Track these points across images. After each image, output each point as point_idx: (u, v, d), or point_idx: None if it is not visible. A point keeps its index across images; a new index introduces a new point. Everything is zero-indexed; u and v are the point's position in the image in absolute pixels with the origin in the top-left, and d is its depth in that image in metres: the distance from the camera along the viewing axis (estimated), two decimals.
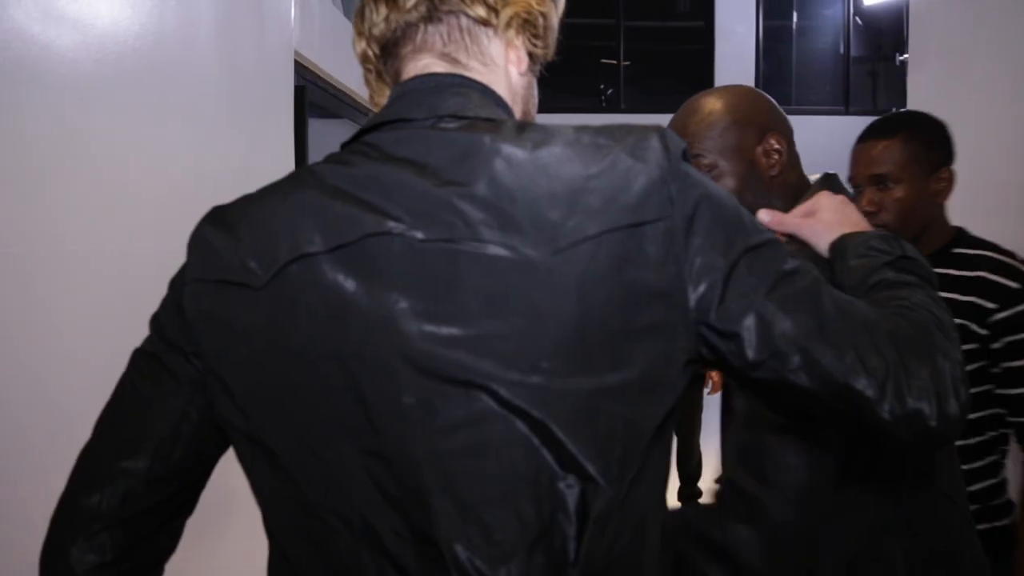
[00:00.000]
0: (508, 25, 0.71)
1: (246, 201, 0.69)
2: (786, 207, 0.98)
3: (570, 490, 0.58)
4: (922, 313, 0.66)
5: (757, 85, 7.78)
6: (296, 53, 2.37)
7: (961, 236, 1.42)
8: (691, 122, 1.05)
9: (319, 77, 2.69)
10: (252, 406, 0.64)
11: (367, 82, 0.77)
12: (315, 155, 2.65)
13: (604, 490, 0.58)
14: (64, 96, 1.29)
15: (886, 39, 7.99)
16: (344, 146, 0.69)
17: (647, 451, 0.61)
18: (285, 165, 2.31)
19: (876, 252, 0.76)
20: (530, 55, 0.75)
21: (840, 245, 0.81)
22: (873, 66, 8.20)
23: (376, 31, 0.71)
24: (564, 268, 0.57)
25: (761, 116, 1.05)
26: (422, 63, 0.71)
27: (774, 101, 1.09)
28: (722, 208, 0.62)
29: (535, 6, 0.73)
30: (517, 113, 0.75)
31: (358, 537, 0.61)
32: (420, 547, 0.59)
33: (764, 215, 0.87)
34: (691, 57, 7.90)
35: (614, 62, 7.84)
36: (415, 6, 0.69)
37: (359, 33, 0.74)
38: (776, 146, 1.03)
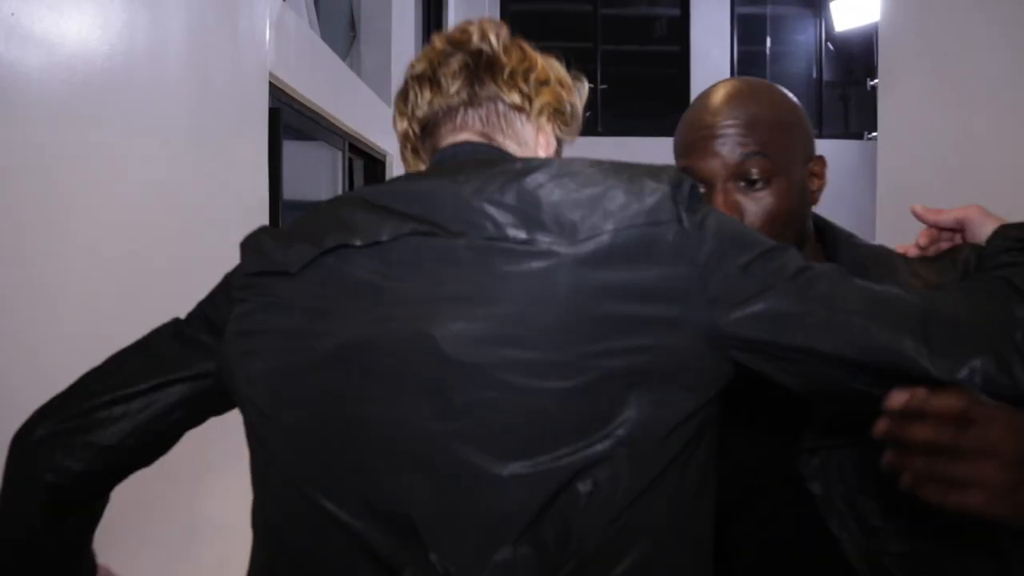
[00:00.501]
0: (540, 112, 0.80)
1: (298, 218, 0.77)
2: (807, 250, 0.87)
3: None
4: (996, 284, 0.67)
5: None
6: (271, 75, 2.36)
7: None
8: (756, 109, 0.83)
9: (294, 99, 2.67)
10: (270, 384, 0.68)
11: (404, 158, 0.85)
12: (290, 176, 2.63)
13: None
14: (30, 116, 1.27)
15: (857, 64, 8.13)
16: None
17: (660, 452, 0.61)
18: (259, 185, 2.29)
19: (1009, 239, 0.76)
20: (557, 139, 0.83)
21: (997, 232, 0.79)
22: (845, 90, 8.34)
23: (419, 112, 0.79)
24: (583, 256, 0.62)
25: (808, 128, 0.89)
26: (461, 137, 0.78)
27: None
28: (732, 222, 0.67)
29: (565, 97, 0.83)
30: None
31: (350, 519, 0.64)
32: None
33: (918, 208, 0.84)
34: (667, 81, 7.98)
35: (591, 85, 7.91)
36: (457, 91, 0.77)
37: (401, 113, 0.81)
38: (818, 169, 0.88)
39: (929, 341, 0.60)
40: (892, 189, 2.46)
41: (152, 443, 0.80)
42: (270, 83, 2.37)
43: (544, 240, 0.62)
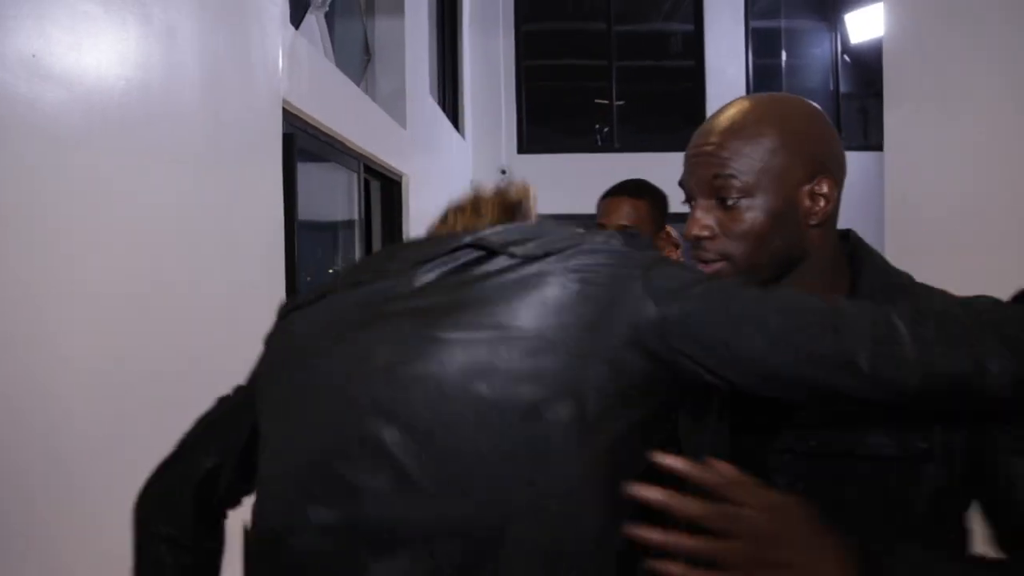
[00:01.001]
0: None
1: None
2: (813, 270, 0.86)
3: None
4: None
5: None
6: (285, 102, 2.43)
7: None
8: (730, 129, 0.84)
9: (308, 124, 2.74)
10: None
11: None
12: (304, 199, 2.69)
13: None
14: (51, 149, 1.34)
15: (875, 75, 8.11)
16: None
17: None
18: (274, 207, 2.35)
19: None
20: None
21: None
22: (863, 102, 8.31)
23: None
24: None
25: (818, 146, 0.85)
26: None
27: (833, 128, 0.88)
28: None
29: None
30: None
31: None
32: None
33: None
34: (682, 96, 8.01)
35: (606, 102, 7.95)
36: (491, 218, 0.87)
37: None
38: (825, 191, 0.83)
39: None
40: (899, 202, 2.47)
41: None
42: (284, 109, 2.44)
43: None
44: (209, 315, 1.90)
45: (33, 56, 1.29)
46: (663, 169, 7.14)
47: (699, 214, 0.86)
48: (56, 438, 1.34)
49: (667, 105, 8.21)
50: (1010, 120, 2.13)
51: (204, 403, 1.62)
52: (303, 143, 2.71)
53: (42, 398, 1.31)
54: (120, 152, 1.54)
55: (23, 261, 1.27)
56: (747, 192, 0.84)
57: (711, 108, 8.21)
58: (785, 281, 0.86)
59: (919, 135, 2.34)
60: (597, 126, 8.01)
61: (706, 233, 0.85)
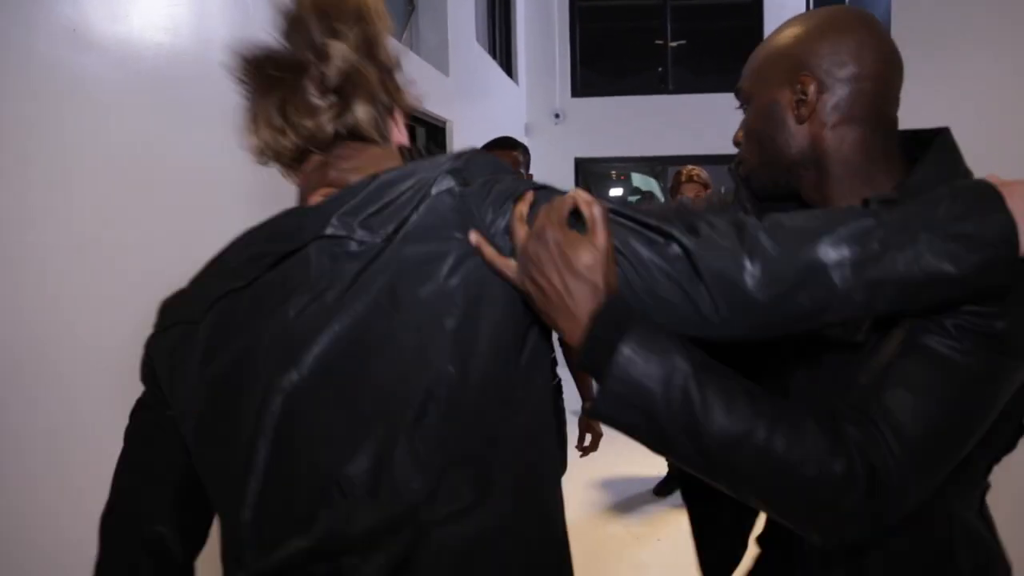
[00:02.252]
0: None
1: None
2: (829, 172, 0.91)
3: None
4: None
5: None
6: None
7: None
8: (762, 43, 0.96)
9: None
10: None
11: None
12: None
13: None
14: (89, 109, 1.55)
15: None
16: None
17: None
18: None
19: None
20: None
21: None
22: None
23: None
24: None
25: (806, 48, 0.90)
26: None
27: (856, 35, 0.89)
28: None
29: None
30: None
31: None
32: None
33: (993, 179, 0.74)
34: (739, 34, 7.85)
35: (661, 42, 7.86)
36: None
37: None
38: (808, 91, 0.90)
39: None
40: None
41: None
42: None
43: None
44: None
45: (73, 30, 1.51)
46: (717, 110, 7.08)
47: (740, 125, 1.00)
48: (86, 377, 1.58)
49: (723, 44, 8.05)
50: (1007, 103, 2.14)
51: None
52: None
53: (78, 353, 1.55)
54: (154, 114, 1.75)
55: (70, 220, 1.50)
56: (747, 98, 0.97)
57: None
58: (802, 184, 0.94)
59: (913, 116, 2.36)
60: (658, 68, 7.94)
61: (738, 139, 1.00)
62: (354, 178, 0.81)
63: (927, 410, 0.74)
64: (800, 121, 0.92)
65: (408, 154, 0.91)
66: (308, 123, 0.82)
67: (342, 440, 0.74)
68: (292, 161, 0.88)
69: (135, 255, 1.68)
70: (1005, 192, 0.72)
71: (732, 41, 8.00)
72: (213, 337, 0.80)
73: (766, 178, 0.97)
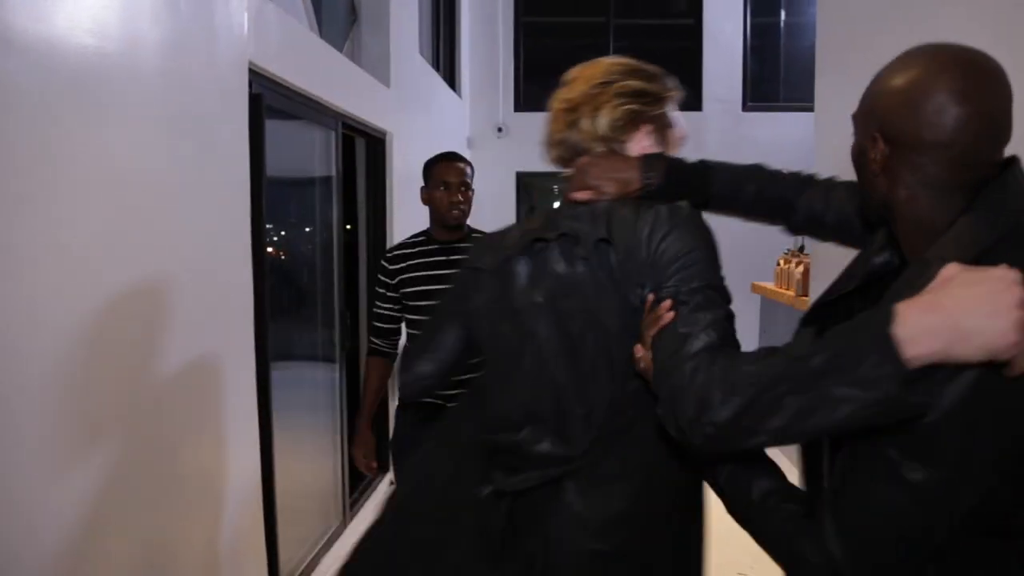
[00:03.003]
0: None
1: None
2: (901, 226, 0.95)
3: None
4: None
5: (744, 82, 7.91)
6: (251, 63, 2.58)
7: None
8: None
9: (278, 84, 2.90)
10: None
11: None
12: (276, 157, 2.86)
13: None
14: (6, 115, 1.50)
15: None
16: None
17: None
18: (240, 167, 2.52)
19: None
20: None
21: None
22: None
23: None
24: None
25: (884, 104, 0.92)
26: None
27: (963, 97, 0.86)
28: None
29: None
30: None
31: None
32: None
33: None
34: (680, 55, 8.04)
35: None
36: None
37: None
38: (878, 147, 0.93)
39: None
40: (828, 159, 2.60)
41: None
42: (251, 70, 2.59)
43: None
44: (174, 272, 2.09)
45: None
46: None
47: None
48: (27, 400, 1.53)
49: (665, 64, 8.19)
50: None
51: (175, 355, 1.82)
52: (274, 102, 2.86)
53: (14, 356, 1.50)
54: (79, 117, 1.70)
55: None
56: (855, 131, 1.00)
57: (708, 67, 8.25)
58: (893, 227, 0.98)
59: (848, 97, 2.46)
60: None
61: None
62: None
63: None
64: (875, 174, 0.95)
65: None
66: None
67: None
68: None
69: (61, 260, 1.63)
70: (906, 316, 0.77)
71: (672, 61, 8.18)
72: None
73: (865, 210, 1.07)
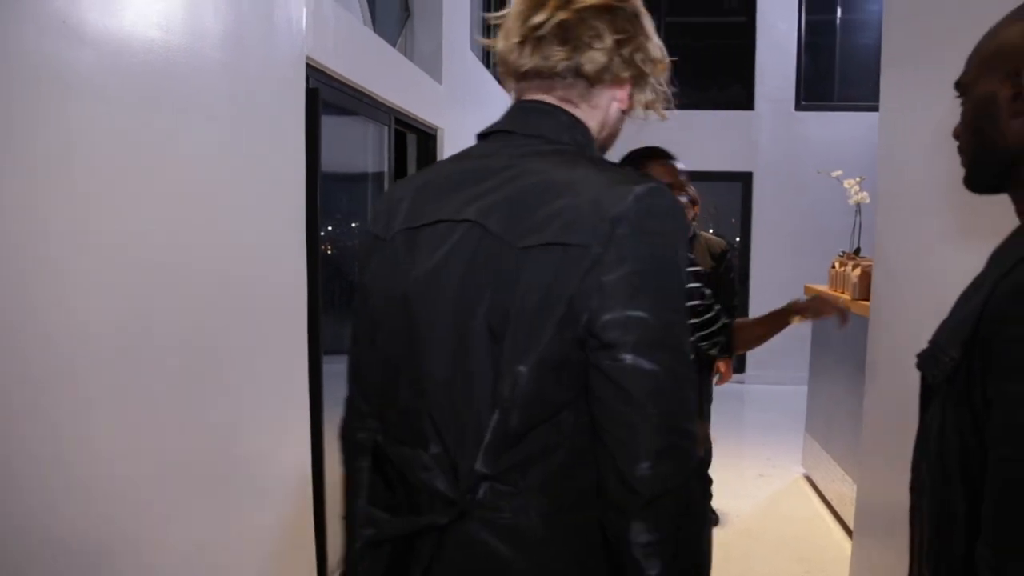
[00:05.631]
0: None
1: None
2: None
3: None
4: None
5: (798, 81, 7.76)
6: (308, 58, 2.60)
7: None
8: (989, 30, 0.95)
9: (333, 79, 2.92)
10: None
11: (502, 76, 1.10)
12: (328, 152, 2.88)
13: None
14: (83, 108, 1.54)
15: None
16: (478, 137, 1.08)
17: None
18: (296, 161, 2.55)
19: None
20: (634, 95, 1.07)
21: None
22: None
23: (520, 71, 1.03)
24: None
25: (1012, 43, 0.91)
26: (539, 95, 1.04)
27: None
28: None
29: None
30: (602, 135, 1.08)
31: None
32: None
33: None
34: (732, 53, 7.92)
35: None
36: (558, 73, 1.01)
37: (505, 68, 1.06)
38: (1021, 84, 0.89)
39: None
40: (892, 160, 2.53)
41: None
42: (308, 65, 2.61)
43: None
44: (232, 264, 2.12)
45: (64, 22, 1.49)
46: (704, 127, 7.15)
47: None
48: (79, 390, 1.56)
49: (717, 62, 8.12)
50: None
51: (229, 346, 1.83)
52: (329, 97, 2.89)
53: (82, 343, 1.53)
54: (145, 110, 1.73)
55: (58, 218, 1.48)
56: (964, 89, 0.98)
57: (761, 65, 8.12)
58: (1012, 180, 0.94)
59: (914, 94, 2.38)
60: None
61: (956, 132, 1.00)
62: None
63: None
64: (1015, 115, 0.91)
65: None
66: None
67: None
68: None
69: (125, 250, 1.66)
70: None
71: (724, 60, 8.08)
72: None
73: (980, 171, 0.98)
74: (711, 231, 6.70)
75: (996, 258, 0.92)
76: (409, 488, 1.00)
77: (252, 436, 2.29)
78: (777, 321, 2.38)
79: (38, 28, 1.43)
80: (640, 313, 0.85)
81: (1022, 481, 0.76)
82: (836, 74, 7.99)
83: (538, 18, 0.99)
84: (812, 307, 2.35)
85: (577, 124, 1.02)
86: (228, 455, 2.14)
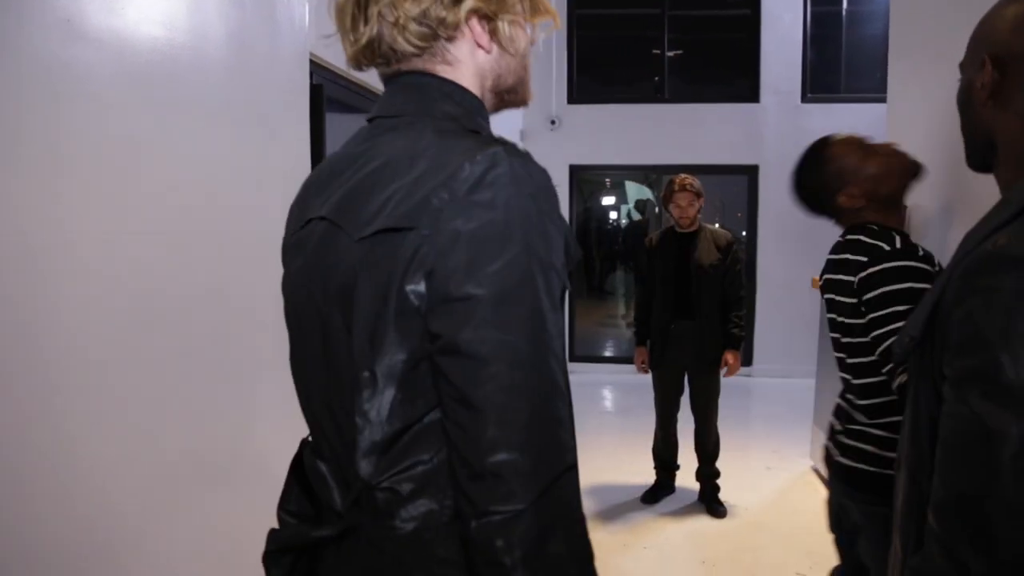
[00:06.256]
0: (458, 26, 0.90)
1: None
2: (1005, 160, 0.92)
3: None
4: None
5: (804, 73, 7.73)
6: (312, 54, 2.61)
7: None
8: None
9: (338, 76, 2.92)
10: None
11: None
12: (333, 149, 2.88)
13: None
14: (82, 105, 1.54)
15: None
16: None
17: None
18: (301, 159, 2.55)
19: None
20: (495, 31, 0.92)
21: None
22: None
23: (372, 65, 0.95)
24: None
25: (989, 24, 0.94)
26: (412, 63, 0.92)
27: None
28: None
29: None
30: (487, 82, 0.95)
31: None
32: None
33: None
34: (736, 46, 7.88)
35: (659, 52, 7.89)
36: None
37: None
38: (987, 72, 0.91)
39: None
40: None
41: None
42: (312, 61, 2.62)
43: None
44: (237, 260, 2.12)
45: (68, 21, 1.50)
46: (711, 120, 7.10)
47: None
48: (84, 378, 1.57)
49: (720, 55, 8.09)
50: None
51: (232, 342, 1.84)
52: (333, 93, 2.89)
53: (94, 338, 1.54)
54: (148, 108, 1.74)
55: (61, 215, 1.49)
56: (960, 71, 0.99)
57: (765, 58, 8.08)
58: (992, 166, 0.96)
59: (922, 85, 2.37)
60: (654, 77, 7.97)
61: None
62: None
63: None
64: (981, 104, 0.93)
65: None
66: None
67: None
68: None
69: (127, 248, 1.67)
70: None
71: (728, 53, 8.04)
72: None
73: (969, 152, 1.00)
74: (717, 224, 6.69)
75: (964, 242, 0.93)
76: (315, 498, 0.96)
77: (259, 431, 2.30)
78: None
79: (42, 27, 1.43)
80: (477, 292, 0.74)
81: (961, 456, 0.78)
82: (842, 66, 7.94)
83: (344, 10, 0.93)
84: None
85: (449, 92, 0.91)
86: (238, 448, 2.15)
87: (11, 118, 1.37)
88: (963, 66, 0.98)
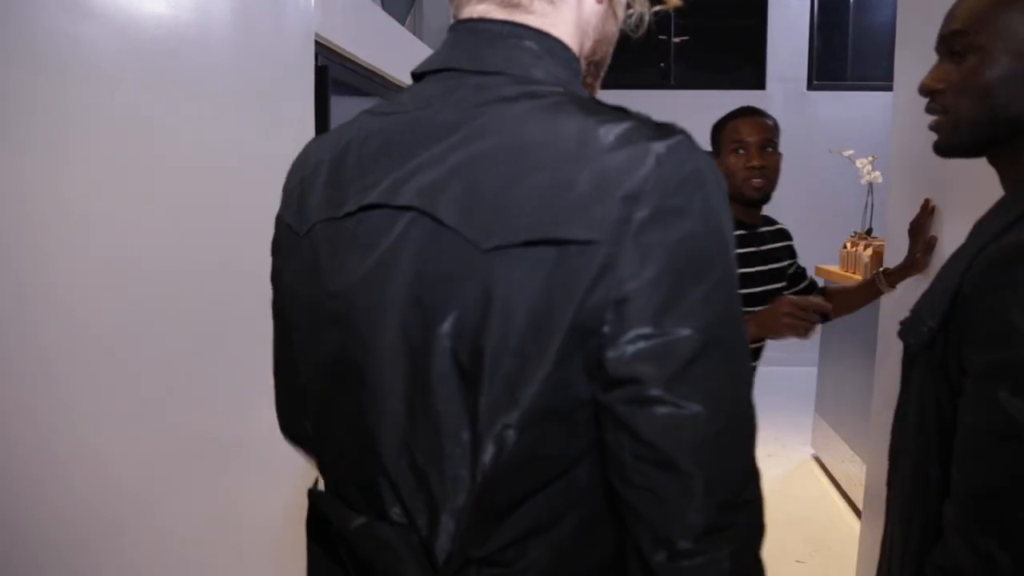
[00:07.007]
0: None
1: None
2: None
3: None
4: None
5: (810, 60, 7.68)
6: (317, 35, 2.59)
7: None
8: None
9: (343, 57, 2.90)
10: None
11: None
12: None
13: None
14: (87, 84, 1.53)
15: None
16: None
17: None
18: (305, 140, 2.53)
19: None
20: None
21: None
22: None
23: None
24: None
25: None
26: (480, 8, 0.73)
27: None
28: None
29: None
30: (586, 45, 0.78)
31: None
32: None
33: None
34: (743, 32, 7.83)
35: (664, 37, 7.84)
36: None
37: None
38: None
39: None
40: (906, 140, 2.50)
41: None
42: (317, 42, 2.60)
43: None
44: (241, 242, 2.12)
45: None
46: (717, 106, 7.05)
47: (935, 70, 0.98)
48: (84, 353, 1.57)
49: (727, 41, 8.04)
50: None
51: (237, 326, 1.83)
52: (339, 75, 2.87)
53: (96, 320, 1.54)
54: (153, 86, 1.73)
55: (63, 196, 1.49)
56: (969, 47, 0.93)
57: (772, 45, 8.02)
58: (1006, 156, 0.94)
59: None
60: (660, 64, 7.91)
61: (940, 86, 0.97)
62: None
63: None
64: (959, 94, 0.92)
65: None
66: None
67: None
68: None
69: (132, 229, 1.66)
70: None
71: (734, 39, 7.99)
72: None
73: (975, 134, 0.96)
74: None
75: (977, 230, 0.92)
76: (366, 570, 0.73)
77: (264, 415, 2.30)
78: (870, 291, 2.33)
79: (44, 2, 1.42)
80: (683, 331, 0.58)
81: (986, 450, 0.78)
82: (849, 53, 7.89)
83: None
84: (901, 270, 2.23)
85: (551, 46, 0.72)
86: (240, 434, 2.15)
87: (14, 93, 1.36)
88: (981, 40, 0.93)
